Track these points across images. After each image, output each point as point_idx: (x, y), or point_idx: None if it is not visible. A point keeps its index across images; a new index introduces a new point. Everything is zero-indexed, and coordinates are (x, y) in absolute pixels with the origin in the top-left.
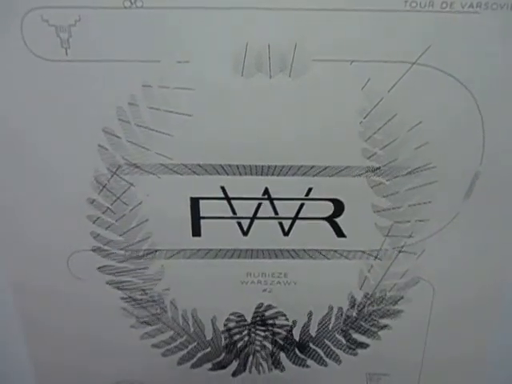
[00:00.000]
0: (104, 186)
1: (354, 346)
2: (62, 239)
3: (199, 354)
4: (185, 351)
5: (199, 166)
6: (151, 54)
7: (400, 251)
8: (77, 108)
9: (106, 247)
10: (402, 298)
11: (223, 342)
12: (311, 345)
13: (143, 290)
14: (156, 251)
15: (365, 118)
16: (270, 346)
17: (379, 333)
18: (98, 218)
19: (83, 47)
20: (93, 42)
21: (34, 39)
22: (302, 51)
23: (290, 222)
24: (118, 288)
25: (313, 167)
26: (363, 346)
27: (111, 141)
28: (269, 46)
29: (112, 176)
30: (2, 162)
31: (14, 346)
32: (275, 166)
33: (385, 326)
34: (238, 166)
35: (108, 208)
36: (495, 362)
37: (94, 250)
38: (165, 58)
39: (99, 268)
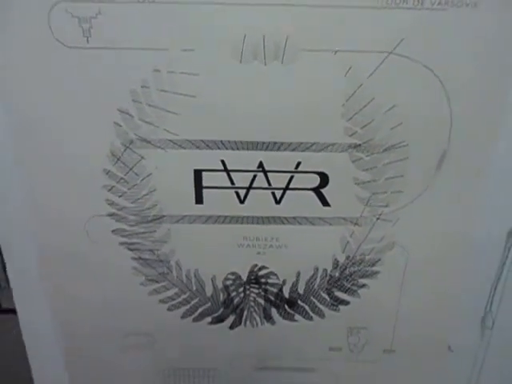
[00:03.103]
0: (118, 159)
1: (337, 302)
2: (81, 205)
3: (200, 309)
4: (187, 306)
5: (202, 141)
6: (161, 42)
7: (378, 219)
8: (96, 90)
9: (119, 213)
10: (379, 260)
11: (221, 299)
12: (299, 301)
13: (151, 250)
14: (163, 217)
15: (347, 100)
16: (262, 302)
17: (359, 291)
18: (113, 186)
19: (102, 36)
20: (110, 31)
21: (59, 29)
22: (292, 42)
23: (281, 192)
24: (130, 249)
25: (301, 143)
26: (344, 302)
27: (125, 119)
28: (264, 37)
29: (125, 150)
30: (32, 136)
31: (37, 304)
32: (268, 142)
33: (364, 285)
34: (235, 142)
35: (121, 178)
36: (464, 318)
37: (108, 215)
38: (172, 46)
39: (113, 231)
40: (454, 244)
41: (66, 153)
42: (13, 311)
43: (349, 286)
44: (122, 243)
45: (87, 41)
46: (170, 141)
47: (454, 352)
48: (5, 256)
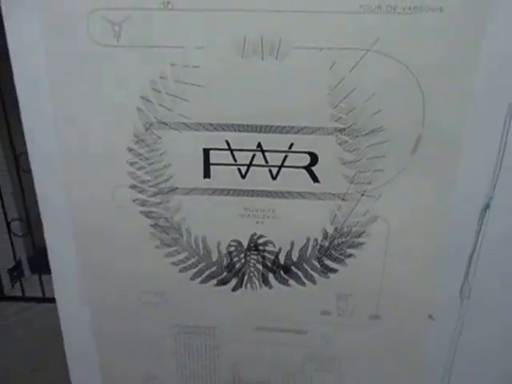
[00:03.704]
0: (140, 138)
1: (326, 270)
2: (109, 177)
3: (207, 272)
4: (196, 269)
5: (210, 124)
6: (177, 42)
7: (362, 195)
8: (122, 81)
9: (139, 185)
10: (363, 232)
11: (225, 263)
12: (293, 268)
13: (165, 218)
14: (176, 189)
15: (332, 91)
16: (261, 267)
17: (346, 260)
18: (135, 162)
19: (129, 37)
20: (136, 33)
21: (95, 30)
22: (285, 41)
23: (277, 169)
24: (147, 217)
25: (294, 127)
26: (333, 270)
27: (146, 105)
28: (261, 37)
29: (146, 131)
30: (71, 120)
31: (70, 268)
32: (266, 126)
33: (350, 255)
34: (238, 125)
35: (142, 155)
36: (444, 288)
37: (131, 187)
38: (187, 44)
39: (134, 200)
40: (431, 218)
41: (97, 133)
42: (36, 299)
43: (337, 255)
44: (141, 212)
45: (117, 40)
46: (183, 123)
47: (435, 320)
48: (43, 217)
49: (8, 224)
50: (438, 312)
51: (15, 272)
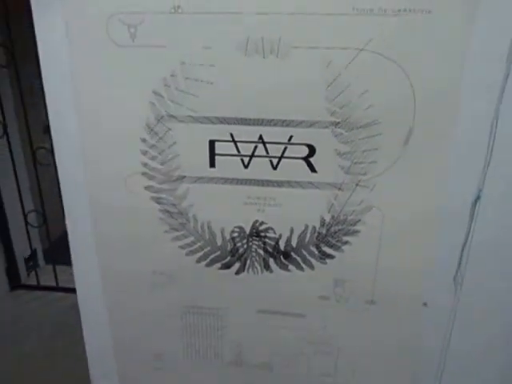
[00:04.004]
0: (152, 130)
1: (324, 256)
2: (123, 165)
3: (212, 256)
4: (201, 253)
5: (215, 117)
6: (186, 42)
7: (357, 185)
8: (137, 77)
9: (150, 172)
10: (359, 220)
11: (229, 248)
12: (292, 254)
13: (174, 204)
14: (184, 177)
15: (328, 87)
16: (262, 252)
17: (343, 247)
18: (147, 151)
19: (144, 38)
20: (150, 34)
21: (113, 32)
22: (284, 41)
23: (277, 160)
24: (157, 202)
25: (293, 121)
26: (331, 256)
27: (158, 99)
28: (263, 38)
29: (157, 123)
30: (91, 112)
31: (89, 253)
32: (267, 119)
33: (347, 242)
34: (241, 119)
35: (153, 145)
36: (438, 276)
37: (142, 174)
38: (195, 45)
39: (145, 187)
40: (424, 208)
41: (113, 124)
42: (50, 288)
43: (334, 242)
44: (151, 198)
45: (133, 41)
46: (191, 117)
47: (429, 308)
48: (65, 210)
49: (25, 215)
50: (433, 299)
51: (31, 261)
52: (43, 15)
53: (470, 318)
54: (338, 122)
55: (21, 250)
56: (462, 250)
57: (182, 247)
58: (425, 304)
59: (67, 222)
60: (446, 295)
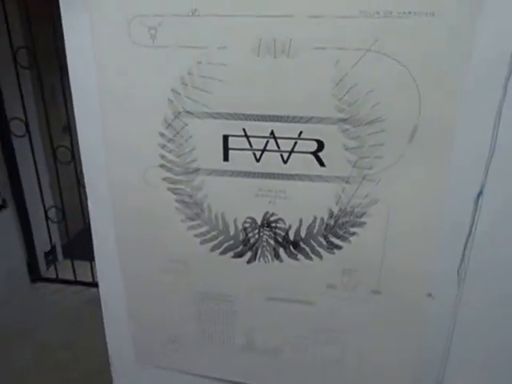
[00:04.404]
0: (169, 124)
1: (332, 247)
2: (142, 157)
3: (225, 245)
4: (215, 242)
5: (229, 114)
6: (202, 43)
7: (363, 179)
8: (156, 75)
9: (168, 165)
10: (365, 213)
11: (241, 238)
12: (301, 244)
13: (190, 195)
14: (199, 170)
15: (336, 85)
16: (273, 242)
17: (350, 238)
18: (165, 145)
19: (163, 39)
20: (169, 35)
21: (135, 33)
22: (295, 42)
23: (287, 154)
24: (174, 193)
25: (303, 117)
26: (338, 247)
27: (176, 96)
28: (275, 39)
29: (175, 118)
30: (113, 107)
31: (110, 243)
32: (278, 116)
33: (354, 233)
34: (254, 115)
35: (171, 139)
36: (442, 268)
37: (160, 166)
38: (211, 45)
39: (163, 179)
40: (429, 202)
41: (134, 119)
42: (68, 282)
43: (341, 233)
44: (169, 188)
45: (153, 41)
46: (206, 113)
47: (434, 299)
48: (89, 195)
49: (45, 211)
50: (437, 291)
51: (50, 256)
52: (71, 18)
53: (474, 310)
54: (346, 119)
55: (41, 244)
56: (466, 243)
57: (197, 236)
58: (429, 295)
59: (90, 209)
60: (449, 287)
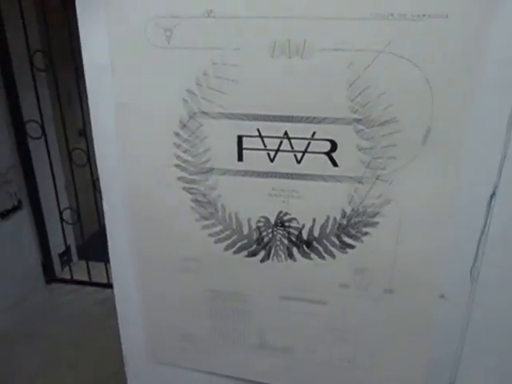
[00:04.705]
0: (185, 125)
1: (344, 246)
2: (158, 157)
3: (239, 244)
4: (229, 241)
5: (244, 114)
6: (218, 44)
7: (376, 179)
8: (172, 76)
9: (183, 164)
10: (378, 213)
11: (255, 237)
12: (314, 243)
13: (204, 195)
14: (213, 169)
15: (350, 86)
16: (286, 242)
17: (362, 238)
18: (180, 145)
19: (179, 40)
20: (184, 36)
21: (151, 35)
22: (309, 44)
23: (301, 154)
24: (189, 192)
25: (316, 117)
26: (351, 246)
27: (191, 97)
28: (289, 40)
29: (190, 119)
30: (129, 107)
31: (124, 238)
32: (292, 116)
33: (366, 233)
34: (268, 115)
35: (186, 139)
36: (455, 268)
37: (175, 166)
38: (226, 46)
39: (178, 178)
40: (441, 203)
41: (150, 119)
42: (82, 283)
43: (354, 232)
44: (183, 188)
45: (168, 43)
46: (221, 113)
47: (446, 300)
48: (104, 197)
49: (60, 213)
50: (449, 291)
51: (65, 257)
52: (88, 20)
53: (487, 311)
54: (360, 119)
55: (56, 245)
56: (479, 243)
57: (211, 235)
58: (442, 296)
59: (105, 210)
60: (462, 287)
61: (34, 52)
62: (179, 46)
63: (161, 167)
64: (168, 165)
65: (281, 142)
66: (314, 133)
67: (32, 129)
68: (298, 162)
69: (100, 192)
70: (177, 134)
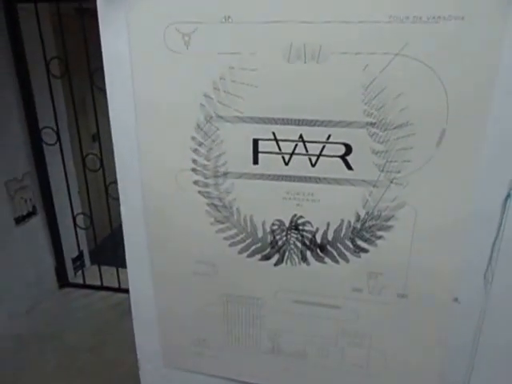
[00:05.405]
0: (201, 129)
1: (358, 250)
2: (174, 161)
3: (253, 248)
4: (243, 244)
5: (259, 118)
6: (235, 49)
7: (391, 182)
8: (189, 80)
9: (199, 168)
10: (392, 216)
11: (269, 240)
12: (328, 247)
13: (219, 198)
14: (229, 173)
15: (365, 89)
16: (300, 245)
17: (376, 241)
18: (196, 149)
19: (197, 45)
20: (202, 41)
21: (169, 40)
22: (324, 48)
23: (315, 157)
24: (204, 196)
25: (331, 121)
26: (365, 250)
27: (208, 101)
28: (304, 45)
29: (207, 123)
30: (147, 111)
31: (141, 241)
32: (307, 120)
33: (380, 237)
34: (283, 119)
35: (202, 143)
36: (469, 272)
37: (191, 170)
38: (243, 51)
39: (194, 182)
40: (456, 206)
41: (167, 124)
42: (95, 287)
43: (368, 236)
44: (199, 191)
45: (186, 48)
46: (237, 117)
47: (460, 304)
48: (122, 201)
49: (74, 218)
50: (463, 295)
51: (78, 262)
52: (109, 25)
53: (501, 315)
54: (374, 123)
55: (69, 250)
56: (493, 247)
57: (225, 239)
58: (456, 300)
59: (122, 214)
60: (476, 292)
61: (50, 59)
62: (197, 50)
63: (177, 171)
64: (184, 169)
65: (296, 146)
66: (328, 136)
67: (47, 135)
68: (313, 165)
69: (111, 197)
70: (193, 138)
